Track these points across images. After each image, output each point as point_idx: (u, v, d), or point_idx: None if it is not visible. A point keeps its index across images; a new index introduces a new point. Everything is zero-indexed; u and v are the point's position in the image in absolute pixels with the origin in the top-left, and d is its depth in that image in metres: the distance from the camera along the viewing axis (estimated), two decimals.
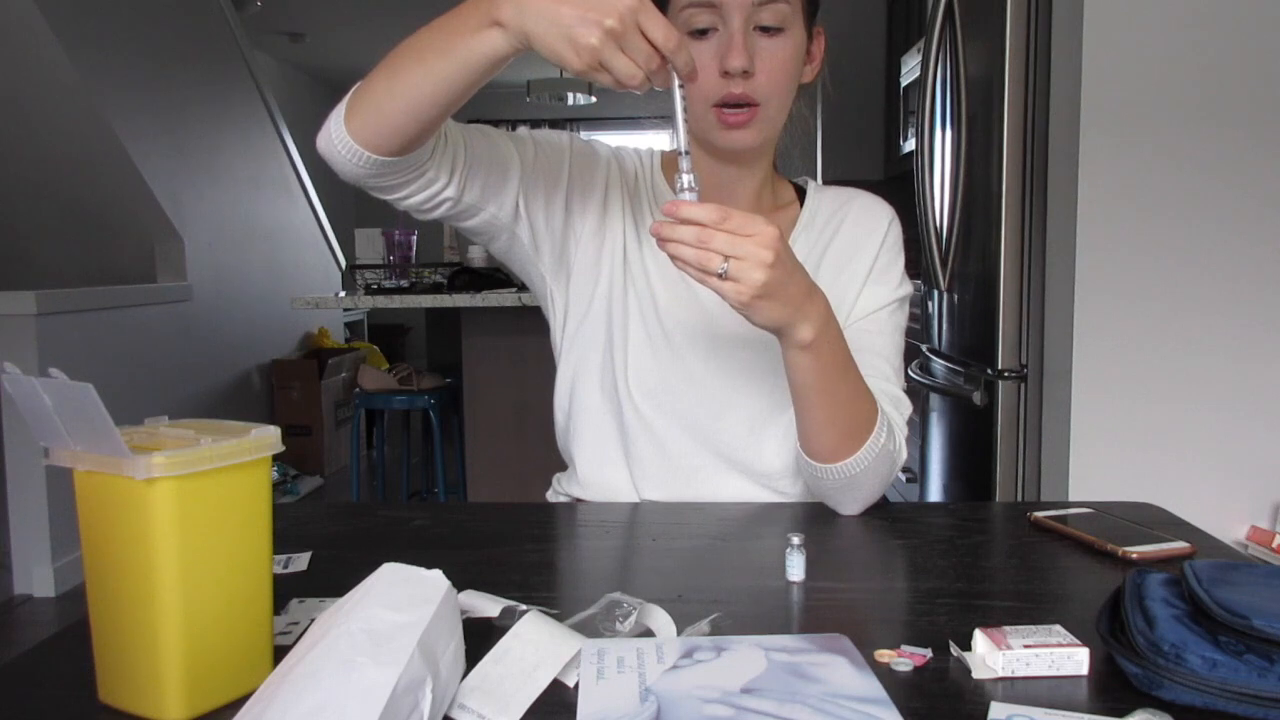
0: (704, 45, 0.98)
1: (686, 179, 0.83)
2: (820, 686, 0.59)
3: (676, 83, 0.81)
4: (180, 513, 0.58)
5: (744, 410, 1.08)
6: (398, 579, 0.59)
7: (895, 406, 1.05)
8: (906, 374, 2.73)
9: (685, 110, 0.83)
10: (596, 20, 0.74)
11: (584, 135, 1.36)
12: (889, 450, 0.99)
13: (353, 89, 0.90)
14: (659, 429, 1.08)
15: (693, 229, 0.81)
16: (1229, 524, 1.82)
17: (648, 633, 0.69)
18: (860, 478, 0.98)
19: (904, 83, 3.67)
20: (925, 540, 0.93)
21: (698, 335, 1.08)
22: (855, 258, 1.11)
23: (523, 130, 1.10)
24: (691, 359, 1.08)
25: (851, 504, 1.01)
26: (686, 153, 0.83)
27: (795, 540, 0.81)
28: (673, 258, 0.82)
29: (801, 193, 1.17)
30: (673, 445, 1.08)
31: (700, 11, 0.98)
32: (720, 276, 0.81)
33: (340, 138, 0.89)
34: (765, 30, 0.98)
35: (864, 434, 0.97)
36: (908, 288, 1.13)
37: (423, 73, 0.85)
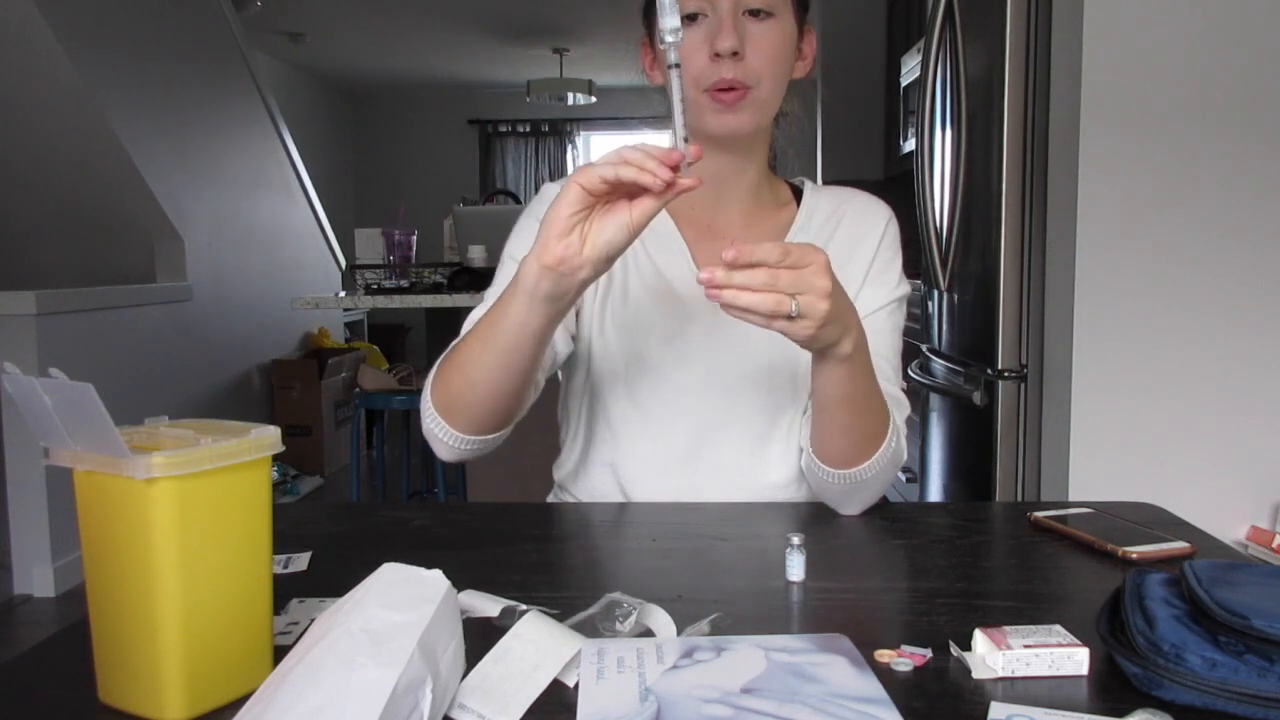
0: (693, 30, 0.98)
1: (681, 133, 0.78)
2: (820, 686, 0.59)
3: (676, 80, 0.80)
4: (180, 513, 0.58)
5: (743, 428, 1.08)
6: (398, 579, 0.59)
7: (895, 407, 1.05)
8: (906, 374, 2.72)
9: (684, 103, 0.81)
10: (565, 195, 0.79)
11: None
12: (897, 454, 1.00)
13: (429, 382, 0.98)
14: (655, 452, 1.08)
15: (763, 272, 0.76)
16: (1229, 524, 1.82)
17: (648, 633, 0.69)
18: (869, 482, 0.98)
19: (904, 83, 3.67)
20: (925, 540, 0.93)
21: (688, 356, 1.08)
22: (853, 259, 1.10)
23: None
24: (683, 379, 1.08)
25: (854, 505, 1.02)
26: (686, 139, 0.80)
27: (795, 540, 0.81)
28: (729, 306, 0.77)
29: (798, 193, 1.16)
30: (671, 466, 1.08)
31: None
32: (789, 317, 0.78)
33: (456, 441, 0.97)
34: (754, 15, 0.98)
35: (879, 440, 0.97)
36: (905, 288, 1.13)
37: (482, 349, 0.91)
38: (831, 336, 0.84)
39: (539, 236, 0.81)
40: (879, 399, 0.97)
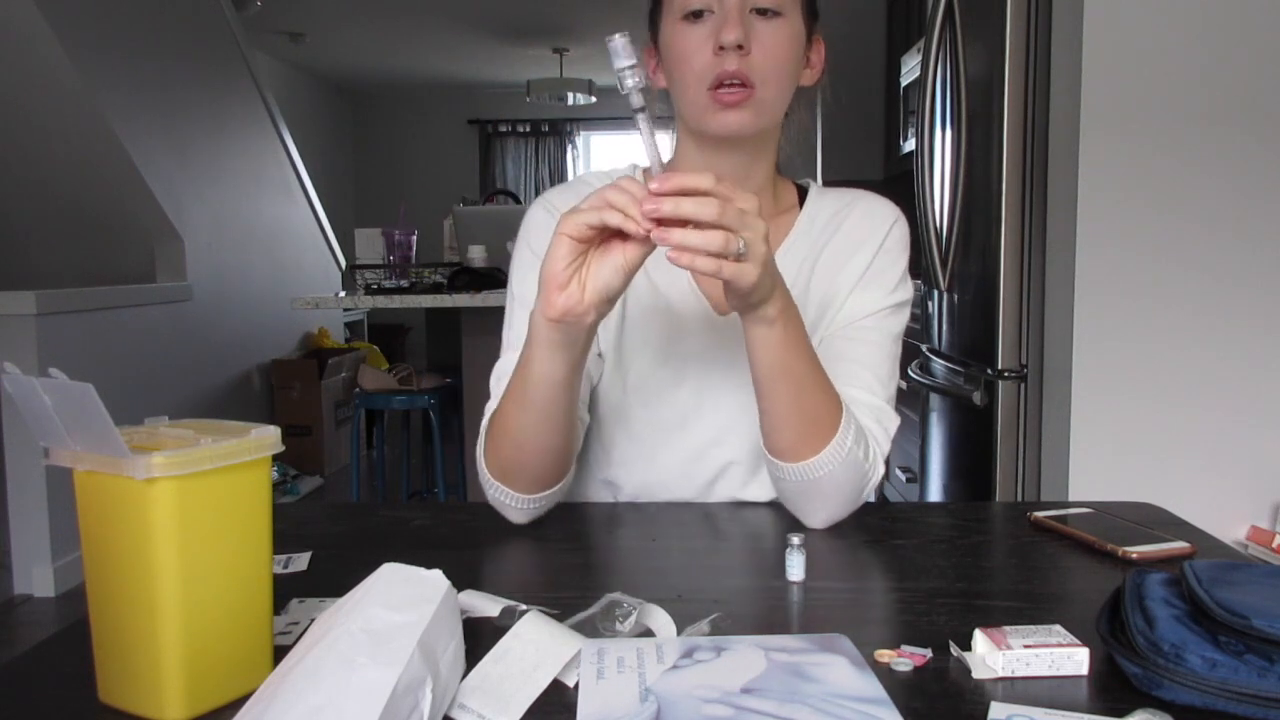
0: (698, 27, 0.96)
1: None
2: (820, 686, 0.59)
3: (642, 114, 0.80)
4: (180, 513, 0.58)
5: (736, 447, 1.06)
6: (398, 579, 0.59)
7: (876, 419, 1.00)
8: (906, 374, 2.71)
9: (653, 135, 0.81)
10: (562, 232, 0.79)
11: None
12: (856, 458, 0.93)
13: (481, 454, 0.99)
14: (649, 471, 1.08)
15: (714, 202, 0.73)
16: (1229, 524, 1.82)
17: (648, 633, 0.69)
18: (824, 483, 0.93)
19: (904, 83, 3.67)
20: (925, 540, 0.93)
21: (682, 375, 1.07)
22: (851, 260, 1.07)
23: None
24: (677, 397, 1.07)
25: (816, 514, 0.96)
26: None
27: (795, 540, 0.81)
28: (681, 249, 0.73)
29: (804, 195, 1.13)
30: (665, 485, 1.08)
31: None
32: (737, 258, 0.74)
33: (523, 504, 0.98)
34: (762, 14, 0.97)
35: (828, 430, 0.92)
36: (905, 293, 1.08)
37: (518, 411, 0.92)
38: (766, 289, 0.82)
39: (540, 292, 0.82)
40: (823, 384, 0.92)
